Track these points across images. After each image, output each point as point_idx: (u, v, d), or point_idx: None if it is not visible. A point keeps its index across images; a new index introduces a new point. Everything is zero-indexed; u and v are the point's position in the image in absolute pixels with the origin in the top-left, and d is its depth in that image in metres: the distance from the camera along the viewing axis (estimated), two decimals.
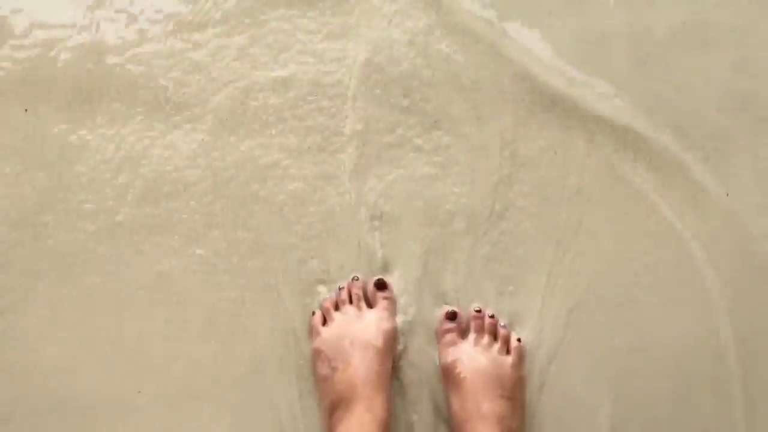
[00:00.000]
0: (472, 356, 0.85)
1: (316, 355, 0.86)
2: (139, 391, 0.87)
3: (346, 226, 0.93)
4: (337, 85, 0.98)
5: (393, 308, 0.89)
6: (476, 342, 0.87)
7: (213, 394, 0.87)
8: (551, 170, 0.95)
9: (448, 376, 0.85)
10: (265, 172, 0.95)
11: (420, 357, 0.89)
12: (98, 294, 0.89)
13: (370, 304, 0.89)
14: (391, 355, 0.86)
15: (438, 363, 0.88)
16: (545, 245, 0.93)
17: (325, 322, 0.88)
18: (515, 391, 0.84)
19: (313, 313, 0.89)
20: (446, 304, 0.91)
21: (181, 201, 0.93)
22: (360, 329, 0.85)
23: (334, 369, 0.83)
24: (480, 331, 0.88)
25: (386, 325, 0.86)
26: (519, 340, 0.88)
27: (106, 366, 0.88)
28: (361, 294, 0.89)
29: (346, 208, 0.94)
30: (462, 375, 0.83)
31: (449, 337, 0.88)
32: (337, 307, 0.89)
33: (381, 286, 0.89)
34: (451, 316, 0.89)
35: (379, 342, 0.84)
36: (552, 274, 0.92)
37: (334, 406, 0.81)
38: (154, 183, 0.93)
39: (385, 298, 0.89)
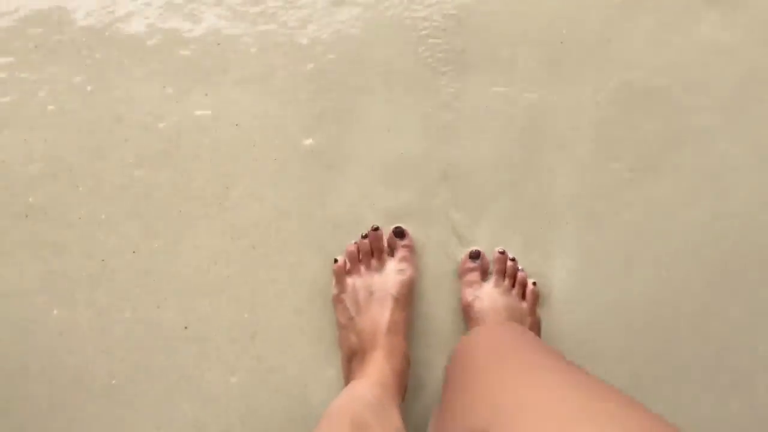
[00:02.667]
0: (492, 296, 0.87)
1: (338, 303, 0.88)
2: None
3: None
4: None
5: (412, 256, 0.89)
6: (496, 284, 0.88)
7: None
8: None
9: (468, 314, 0.88)
10: None
11: (442, 298, 0.92)
12: None
13: (391, 252, 0.89)
14: (410, 302, 0.88)
15: (459, 303, 0.90)
16: None
17: (347, 270, 0.88)
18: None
19: (336, 261, 0.89)
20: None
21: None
22: (380, 279, 0.86)
23: (353, 318, 0.85)
24: (501, 273, 0.89)
25: (405, 274, 0.87)
26: (534, 283, 0.89)
27: None
28: (381, 244, 0.88)
29: None
30: (482, 314, 0.86)
31: (471, 276, 0.89)
32: (358, 256, 0.89)
33: (400, 234, 0.89)
34: (475, 255, 0.89)
35: (397, 290, 0.85)
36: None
37: (352, 354, 0.84)
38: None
39: (404, 246, 0.89)
